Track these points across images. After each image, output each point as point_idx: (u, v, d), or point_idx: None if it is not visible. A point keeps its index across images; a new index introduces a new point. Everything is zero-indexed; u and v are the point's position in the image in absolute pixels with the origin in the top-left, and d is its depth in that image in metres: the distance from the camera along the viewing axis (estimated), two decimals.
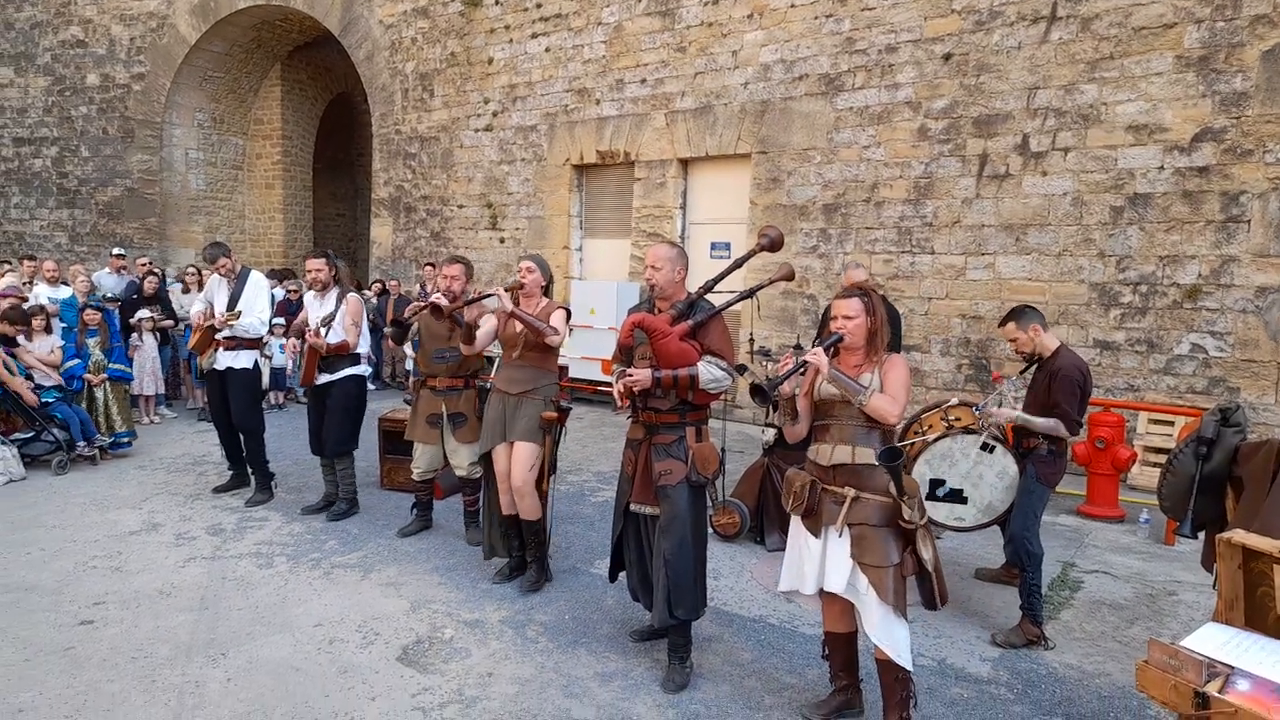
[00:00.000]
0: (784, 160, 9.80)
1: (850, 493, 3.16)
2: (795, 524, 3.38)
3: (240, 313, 6.12)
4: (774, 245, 3.92)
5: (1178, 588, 5.06)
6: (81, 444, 7.22)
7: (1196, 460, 3.46)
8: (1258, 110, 7.06)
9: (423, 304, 5.06)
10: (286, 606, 4.47)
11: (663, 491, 3.71)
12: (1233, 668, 2.23)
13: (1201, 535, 3.59)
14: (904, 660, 3.09)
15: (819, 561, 3.25)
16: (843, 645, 3.45)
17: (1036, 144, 8.13)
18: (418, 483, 5.75)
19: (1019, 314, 4.42)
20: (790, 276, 4.04)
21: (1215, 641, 2.36)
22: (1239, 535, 2.54)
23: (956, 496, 4.70)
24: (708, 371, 3.63)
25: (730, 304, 3.81)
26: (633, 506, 3.86)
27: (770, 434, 5.66)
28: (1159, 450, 7.24)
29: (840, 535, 3.16)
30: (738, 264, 3.88)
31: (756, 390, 3.22)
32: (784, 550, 5.39)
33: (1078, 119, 7.89)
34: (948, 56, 8.59)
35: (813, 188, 9.62)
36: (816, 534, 3.26)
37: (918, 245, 8.91)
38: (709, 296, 3.87)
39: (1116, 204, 7.73)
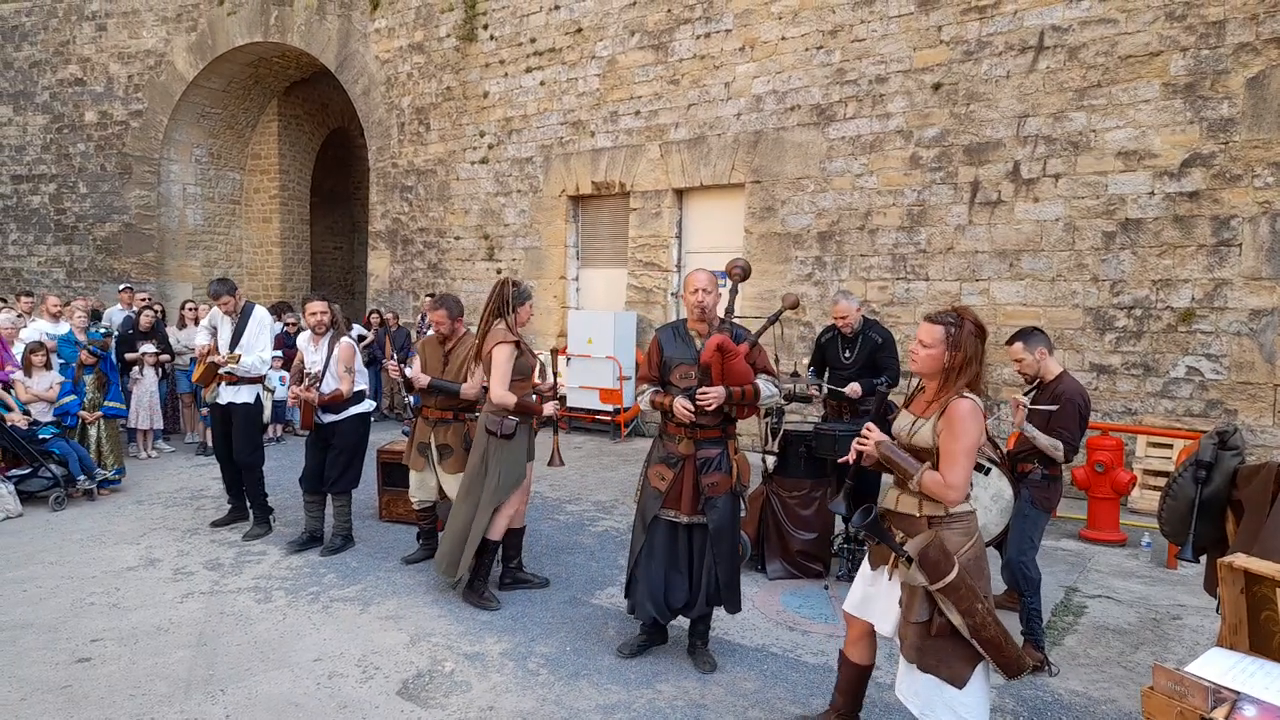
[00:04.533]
0: (778, 189, 9.88)
1: (900, 536, 3.05)
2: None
3: (240, 356, 6.13)
4: (745, 274, 4.24)
5: (1181, 612, 5.04)
6: (81, 478, 7.20)
7: (1196, 484, 3.46)
8: (1245, 135, 7.16)
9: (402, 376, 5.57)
10: (285, 641, 4.44)
11: (710, 502, 4.00)
12: (1239, 693, 2.23)
13: (1203, 559, 3.59)
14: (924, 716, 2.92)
15: (863, 588, 3.24)
16: (849, 670, 3.41)
17: (1027, 171, 8.21)
18: (418, 512, 5.75)
19: (1027, 336, 4.43)
20: (795, 305, 4.43)
21: (1220, 667, 2.36)
22: (1241, 559, 2.54)
23: None
24: (766, 387, 4.02)
25: (764, 329, 4.18)
26: (685, 519, 4.07)
27: (770, 461, 5.66)
28: (1158, 473, 7.25)
29: (890, 578, 3.08)
30: (734, 291, 4.27)
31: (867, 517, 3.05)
32: (785, 578, 5.42)
33: (1067, 146, 7.99)
34: (937, 86, 8.70)
35: (807, 216, 9.69)
36: (874, 566, 3.21)
37: (912, 272, 8.97)
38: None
39: (1108, 229, 7.80)
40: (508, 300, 4.95)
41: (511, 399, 4.77)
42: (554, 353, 5.32)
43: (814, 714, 3.58)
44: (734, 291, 4.25)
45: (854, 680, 3.42)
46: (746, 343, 3.99)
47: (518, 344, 4.89)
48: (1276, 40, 7.00)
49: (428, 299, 12.05)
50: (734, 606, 4.15)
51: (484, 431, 4.88)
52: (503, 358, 4.78)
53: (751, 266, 4.42)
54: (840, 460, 3.20)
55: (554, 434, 5.38)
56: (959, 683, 2.87)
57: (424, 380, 5.39)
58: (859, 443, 3.10)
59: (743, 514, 4.17)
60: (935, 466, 2.96)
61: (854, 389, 5.70)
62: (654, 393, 4.13)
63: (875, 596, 3.18)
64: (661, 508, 4.09)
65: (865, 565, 3.32)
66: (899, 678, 3.00)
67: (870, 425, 3.10)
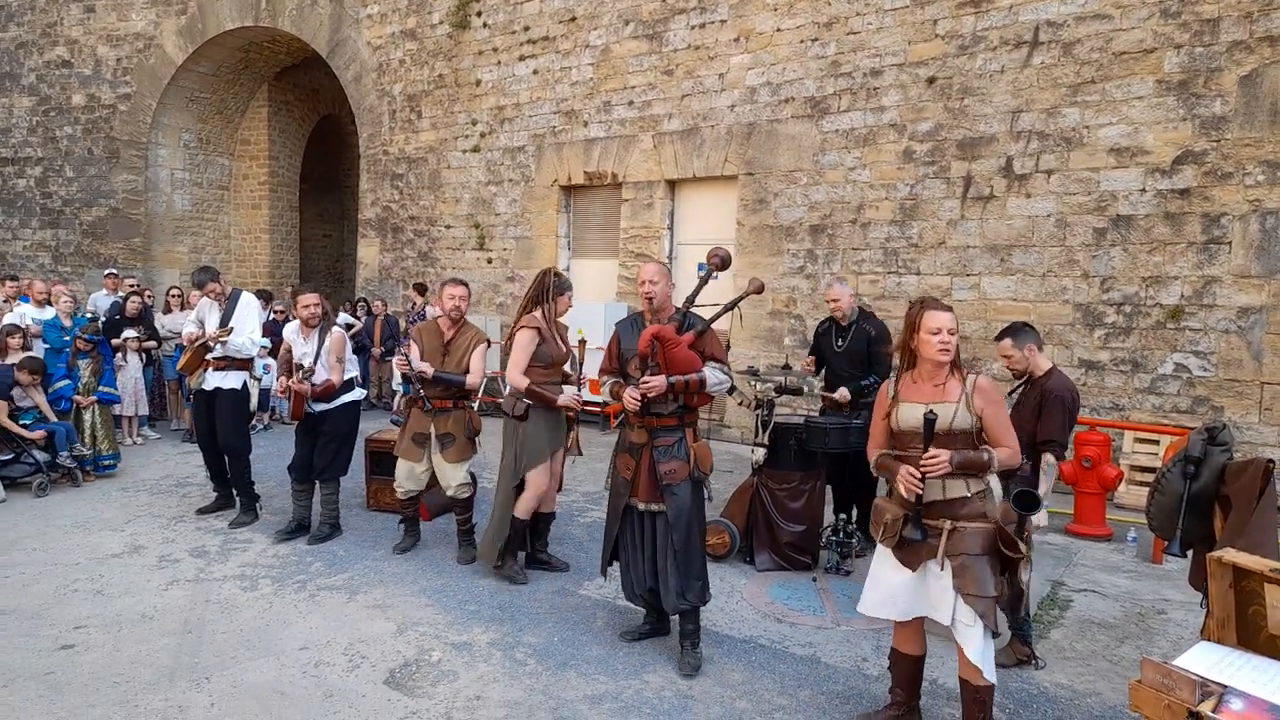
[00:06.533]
0: (770, 182, 9.86)
1: (947, 525, 3.09)
2: (881, 551, 3.33)
3: (232, 329, 6.10)
4: (724, 263, 4.31)
5: (1167, 606, 5.07)
6: (64, 454, 7.14)
7: (1184, 479, 3.47)
8: (1236, 133, 7.17)
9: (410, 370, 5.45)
10: (271, 630, 4.42)
11: (669, 489, 4.02)
12: (1226, 687, 2.24)
13: (1190, 554, 3.60)
14: (992, 676, 3.10)
15: (912, 591, 3.21)
16: (907, 665, 3.42)
17: (1020, 166, 8.21)
18: (403, 502, 5.72)
19: (1016, 332, 4.38)
20: (760, 289, 4.48)
21: (1208, 660, 2.37)
22: (1230, 554, 2.55)
23: None
24: (713, 375, 4.03)
25: (718, 315, 4.21)
26: (641, 506, 4.12)
27: (760, 454, 5.65)
28: (1145, 469, 7.28)
29: (942, 568, 3.09)
30: (704, 282, 4.27)
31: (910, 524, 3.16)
32: (773, 570, 5.42)
33: (1060, 141, 7.99)
34: (931, 80, 8.69)
35: (799, 209, 9.68)
36: (913, 567, 3.19)
37: (904, 266, 8.97)
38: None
39: (1099, 225, 7.81)
40: (548, 289, 5.11)
41: (524, 381, 4.94)
42: (580, 344, 5.33)
43: (872, 711, 3.59)
44: (704, 280, 4.26)
45: (912, 671, 3.44)
46: (693, 331, 4.03)
47: (539, 330, 5.01)
48: (1269, 38, 7.02)
49: (415, 289, 12.00)
50: (698, 597, 4.08)
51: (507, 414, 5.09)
52: (522, 342, 4.98)
53: (731, 256, 4.46)
54: (912, 498, 3.11)
55: (575, 425, 5.42)
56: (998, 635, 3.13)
57: (429, 372, 5.36)
58: (930, 469, 3.02)
59: (708, 501, 4.19)
60: (976, 443, 3.12)
61: (843, 394, 5.67)
62: (614, 384, 4.21)
63: (921, 593, 3.19)
64: (629, 496, 4.16)
65: (891, 572, 3.27)
66: (974, 653, 3.04)
67: (932, 450, 3.03)
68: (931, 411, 3.04)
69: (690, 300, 4.20)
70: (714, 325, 4.20)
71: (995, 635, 3.10)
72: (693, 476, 4.06)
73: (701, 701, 3.74)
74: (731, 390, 5.82)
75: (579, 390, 5.27)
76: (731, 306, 4.36)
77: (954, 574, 3.05)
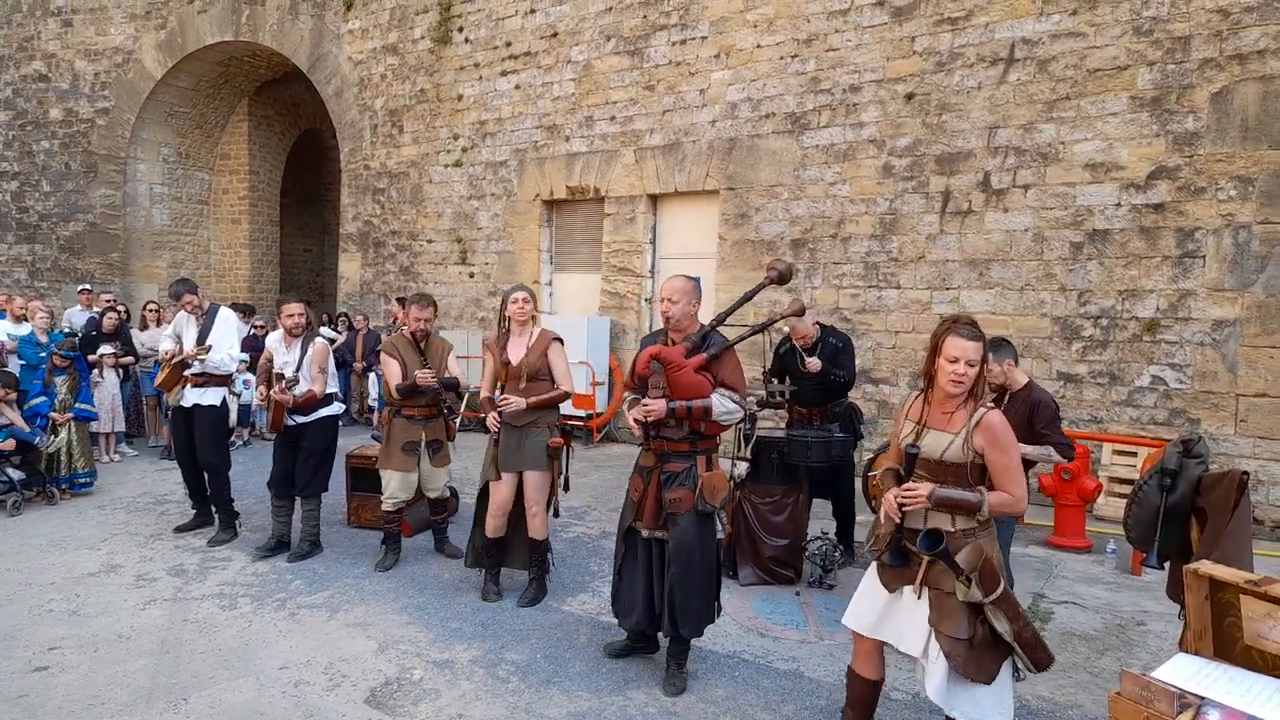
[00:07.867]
0: (752, 196, 9.92)
1: (926, 555, 2.92)
2: (873, 564, 3.23)
3: (210, 347, 6.06)
4: (783, 278, 4.09)
5: (1146, 618, 5.11)
6: (40, 437, 7.12)
7: (1161, 491, 3.50)
8: (1209, 149, 7.29)
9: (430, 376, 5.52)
10: (250, 649, 4.37)
11: (672, 519, 3.90)
12: (1203, 698, 2.26)
13: (1167, 565, 3.64)
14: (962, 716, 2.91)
15: (882, 613, 3.11)
16: (861, 687, 3.31)
17: (997, 181, 8.31)
18: (388, 515, 5.70)
19: (995, 347, 4.40)
20: (800, 312, 4.26)
21: (1185, 672, 2.39)
22: (1206, 566, 2.58)
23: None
24: (721, 404, 3.80)
25: (744, 338, 4.02)
26: (645, 532, 4.01)
27: (742, 467, 5.66)
28: (1123, 481, 7.35)
29: (920, 597, 2.98)
30: (748, 297, 4.08)
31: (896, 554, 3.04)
32: (756, 584, 5.42)
33: (1037, 157, 8.09)
34: (910, 96, 8.78)
35: (780, 224, 9.74)
36: (889, 589, 3.09)
37: (884, 280, 9.04)
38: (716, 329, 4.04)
39: (1076, 240, 7.91)
40: (498, 310, 5.20)
41: (483, 393, 5.05)
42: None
43: None
44: (747, 296, 4.07)
45: (866, 697, 3.34)
46: (704, 354, 3.82)
47: (489, 347, 5.05)
48: (1239, 56, 7.15)
49: (397, 303, 11.96)
50: (693, 630, 3.97)
51: None
52: (485, 360, 5.12)
53: (791, 269, 4.14)
54: (892, 523, 3.01)
55: (556, 452, 5.28)
56: (991, 680, 2.86)
57: (433, 380, 5.48)
58: (906, 500, 2.94)
59: (720, 534, 3.96)
60: (972, 480, 2.94)
61: (814, 363, 5.66)
62: (631, 400, 4.06)
63: (892, 616, 3.10)
64: (633, 520, 4.06)
65: (871, 585, 3.20)
66: (932, 688, 2.91)
67: (911, 484, 2.96)
68: (914, 446, 2.97)
69: (720, 319, 3.97)
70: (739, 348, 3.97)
71: (979, 682, 2.85)
72: (697, 509, 3.86)
73: (685, 718, 3.73)
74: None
75: (495, 410, 4.89)
76: (762, 329, 4.13)
77: (930, 606, 2.95)
